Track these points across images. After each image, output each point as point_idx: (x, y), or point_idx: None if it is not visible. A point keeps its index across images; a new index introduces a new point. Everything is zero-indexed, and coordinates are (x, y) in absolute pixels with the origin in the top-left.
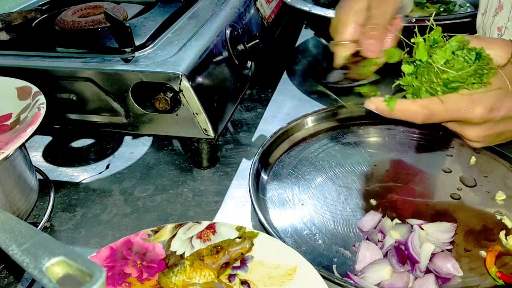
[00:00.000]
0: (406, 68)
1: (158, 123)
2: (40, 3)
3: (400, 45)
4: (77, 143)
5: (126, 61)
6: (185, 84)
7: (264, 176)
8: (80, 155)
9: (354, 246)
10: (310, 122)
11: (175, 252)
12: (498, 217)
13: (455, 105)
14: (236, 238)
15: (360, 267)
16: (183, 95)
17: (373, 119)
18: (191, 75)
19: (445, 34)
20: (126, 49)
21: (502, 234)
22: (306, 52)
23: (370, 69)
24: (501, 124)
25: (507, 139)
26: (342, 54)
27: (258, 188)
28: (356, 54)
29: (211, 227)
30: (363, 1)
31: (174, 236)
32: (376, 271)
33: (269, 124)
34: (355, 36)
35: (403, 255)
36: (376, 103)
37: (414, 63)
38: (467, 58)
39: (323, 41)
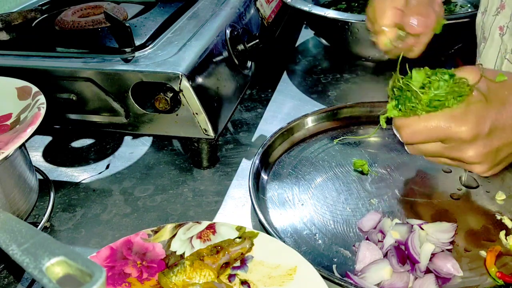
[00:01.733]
0: (390, 105)
1: (158, 123)
2: (40, 3)
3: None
4: (77, 143)
5: (126, 61)
6: (185, 84)
7: (264, 176)
8: (80, 155)
9: (354, 246)
10: (310, 122)
11: (175, 252)
12: (498, 217)
13: (436, 121)
14: (236, 238)
15: (360, 267)
16: (183, 95)
17: (373, 118)
18: (191, 75)
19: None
20: (126, 49)
21: (502, 234)
22: (306, 52)
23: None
24: (495, 138)
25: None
26: (384, 41)
27: (258, 188)
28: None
29: (211, 227)
30: None
31: (174, 236)
32: (376, 271)
33: (269, 124)
34: (394, 20)
35: (403, 255)
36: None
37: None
38: (442, 79)
39: (323, 41)
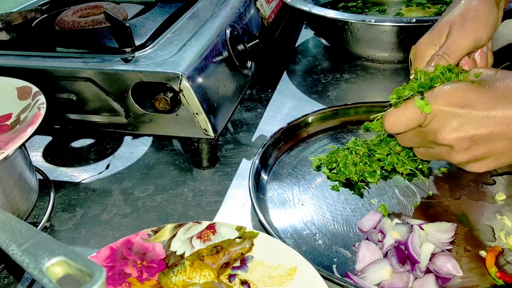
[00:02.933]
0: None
1: (158, 123)
2: (40, 3)
3: None
4: (77, 143)
5: (126, 61)
6: (185, 84)
7: (264, 176)
8: (80, 155)
9: (354, 246)
10: (310, 122)
11: (175, 252)
12: (498, 217)
13: (414, 107)
14: (236, 238)
15: (360, 267)
16: (183, 95)
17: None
18: (191, 75)
19: None
20: (126, 49)
21: (502, 234)
22: (306, 52)
23: None
24: (479, 133)
25: (498, 158)
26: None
27: (258, 188)
28: None
29: (211, 227)
30: (445, 36)
31: (174, 236)
32: (376, 271)
33: (269, 124)
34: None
35: (403, 255)
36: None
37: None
38: (443, 71)
39: (323, 41)
